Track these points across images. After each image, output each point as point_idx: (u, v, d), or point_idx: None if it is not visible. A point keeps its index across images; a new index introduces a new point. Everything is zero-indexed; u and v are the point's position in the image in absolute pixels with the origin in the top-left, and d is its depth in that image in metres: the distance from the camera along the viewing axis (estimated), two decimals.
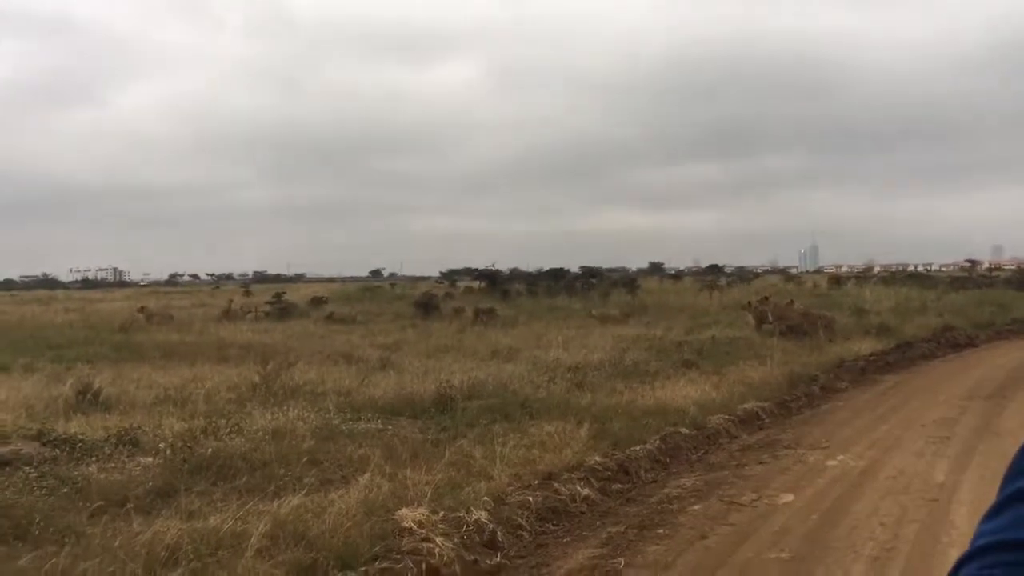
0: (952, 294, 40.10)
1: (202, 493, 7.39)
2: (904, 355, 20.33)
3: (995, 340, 25.31)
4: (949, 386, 15.86)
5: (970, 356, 21.55)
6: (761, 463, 9.87)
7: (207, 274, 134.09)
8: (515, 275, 59.59)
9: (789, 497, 8.29)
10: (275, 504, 6.89)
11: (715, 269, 74.83)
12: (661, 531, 7.33)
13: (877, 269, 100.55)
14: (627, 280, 53.67)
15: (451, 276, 69.03)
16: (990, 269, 74.79)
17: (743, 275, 76.28)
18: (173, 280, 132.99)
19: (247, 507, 6.78)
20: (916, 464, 9.55)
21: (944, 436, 11.09)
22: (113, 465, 8.06)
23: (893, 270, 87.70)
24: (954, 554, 6.36)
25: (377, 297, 48.61)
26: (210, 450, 8.34)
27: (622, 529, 7.43)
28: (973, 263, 77.16)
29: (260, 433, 9.38)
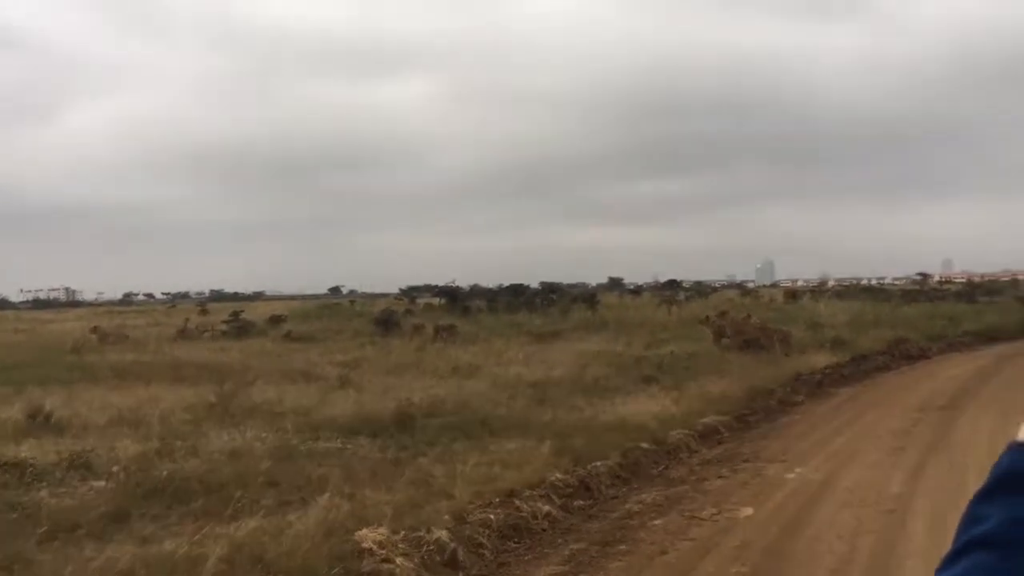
0: (905, 307, 40.85)
1: (157, 517, 7.25)
2: (859, 368, 20.63)
3: (947, 352, 25.79)
4: (903, 398, 16.11)
5: (923, 368, 21.93)
6: (721, 477, 9.93)
7: (162, 293, 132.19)
8: (475, 291, 59.57)
9: (749, 511, 8.34)
10: (232, 527, 6.78)
11: (673, 284, 75.39)
12: (623, 547, 7.34)
13: (831, 283, 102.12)
14: (587, 296, 53.91)
15: (411, 293, 68.80)
16: (941, 282, 76.44)
17: (701, 290, 76.98)
18: (127, 299, 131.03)
19: (203, 531, 6.67)
20: (872, 476, 9.68)
21: (899, 447, 11.26)
22: (65, 490, 7.89)
23: (847, 284, 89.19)
24: (911, 565, 6.45)
25: (336, 314, 48.26)
26: (165, 472, 8.20)
27: (584, 546, 7.42)
28: (925, 277, 78.71)
29: (216, 454, 9.25)
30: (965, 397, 15.87)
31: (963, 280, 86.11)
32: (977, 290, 56.63)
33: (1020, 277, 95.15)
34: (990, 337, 29.96)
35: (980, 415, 13.86)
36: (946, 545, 0.70)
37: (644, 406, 13.44)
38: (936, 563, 0.71)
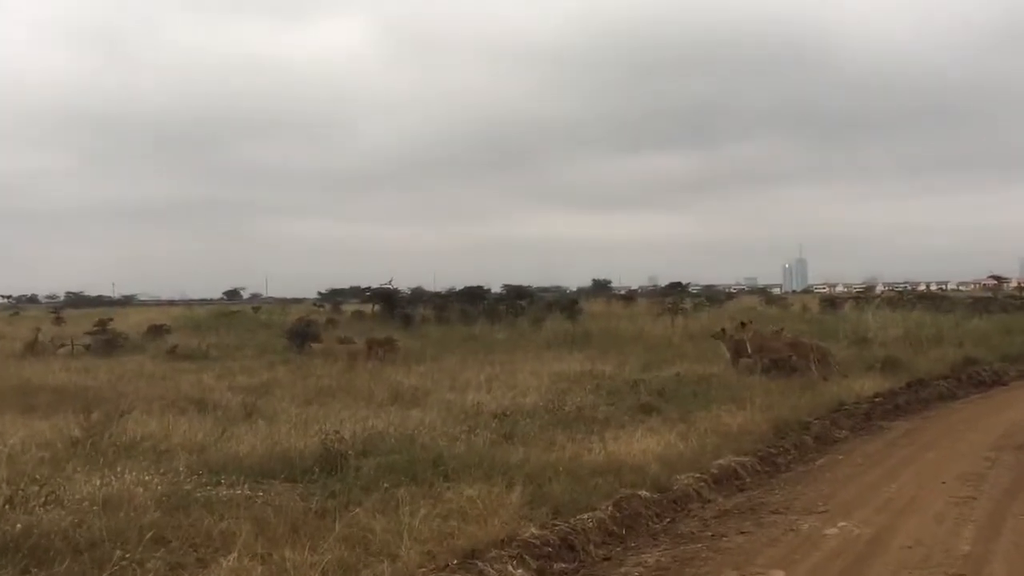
0: (974, 319, 41.53)
1: None
2: (917, 395, 21.01)
3: None
4: (973, 434, 16.46)
5: (998, 396, 22.40)
6: (743, 533, 10.10)
7: (1, 296, 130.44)
8: (419, 296, 59.67)
9: (780, 574, 8.50)
10: None
11: (677, 288, 76.16)
12: None
13: (880, 289, 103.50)
14: (565, 302, 54.25)
15: (334, 297, 68.80)
16: (1021, 288, 77.66)
17: (713, 296, 77.98)
18: None
19: None
20: (936, 531, 9.90)
21: (969, 496, 11.53)
22: None
23: (900, 290, 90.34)
24: None
25: (236, 325, 48.07)
26: (19, 526, 8.15)
27: None
28: (999, 281, 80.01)
29: (86, 503, 9.20)
30: None
31: None
32: None
33: None
34: None
35: None
36: None
37: (642, 443, 13.60)
38: None
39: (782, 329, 26.61)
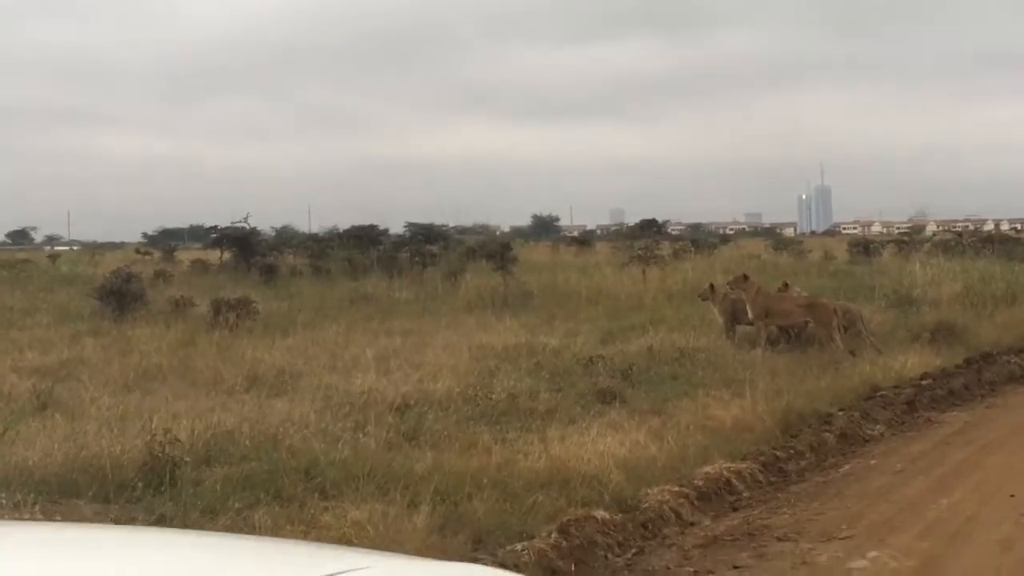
0: None
1: None
2: (979, 377, 21.21)
3: None
4: None
5: None
6: (737, 567, 10.21)
7: None
8: (287, 239, 59.41)
9: None
10: None
11: (652, 228, 76.46)
12: None
13: (932, 228, 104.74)
14: (494, 248, 54.10)
15: (166, 240, 68.24)
16: None
17: (702, 239, 78.42)
18: None
19: None
20: (1001, 562, 10.08)
21: None
22: None
23: (959, 230, 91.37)
24: None
25: (24, 279, 47.45)
26: None
27: None
28: None
29: None
30: None
31: None
32: None
33: None
34: None
35: None
36: None
37: (599, 444, 13.61)
38: None
39: (787, 285, 26.72)
